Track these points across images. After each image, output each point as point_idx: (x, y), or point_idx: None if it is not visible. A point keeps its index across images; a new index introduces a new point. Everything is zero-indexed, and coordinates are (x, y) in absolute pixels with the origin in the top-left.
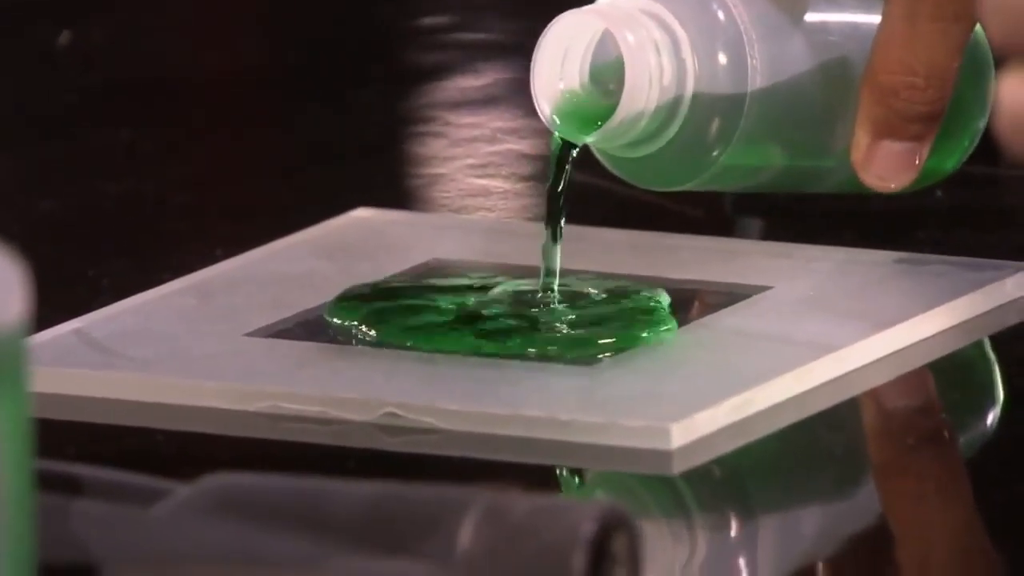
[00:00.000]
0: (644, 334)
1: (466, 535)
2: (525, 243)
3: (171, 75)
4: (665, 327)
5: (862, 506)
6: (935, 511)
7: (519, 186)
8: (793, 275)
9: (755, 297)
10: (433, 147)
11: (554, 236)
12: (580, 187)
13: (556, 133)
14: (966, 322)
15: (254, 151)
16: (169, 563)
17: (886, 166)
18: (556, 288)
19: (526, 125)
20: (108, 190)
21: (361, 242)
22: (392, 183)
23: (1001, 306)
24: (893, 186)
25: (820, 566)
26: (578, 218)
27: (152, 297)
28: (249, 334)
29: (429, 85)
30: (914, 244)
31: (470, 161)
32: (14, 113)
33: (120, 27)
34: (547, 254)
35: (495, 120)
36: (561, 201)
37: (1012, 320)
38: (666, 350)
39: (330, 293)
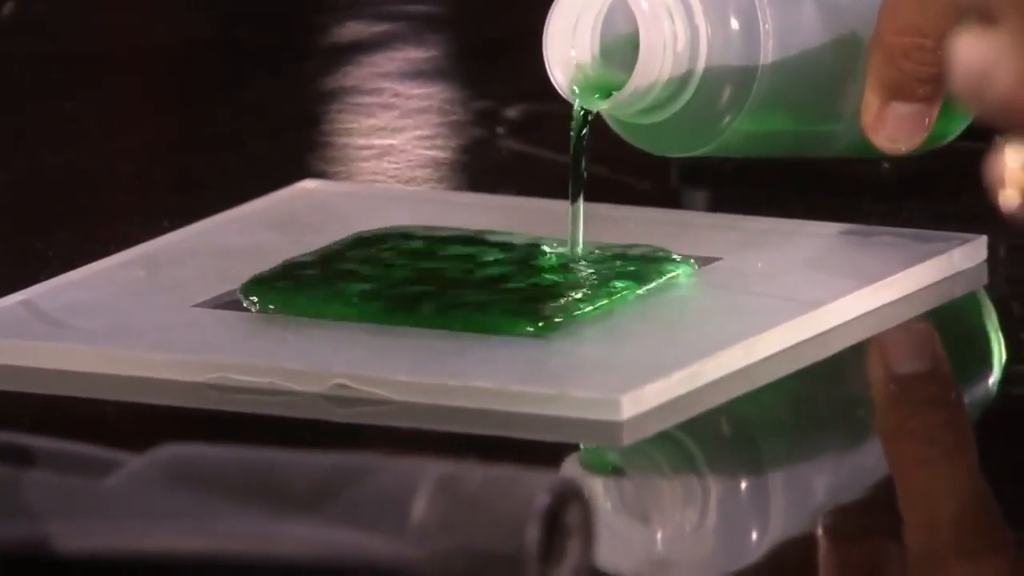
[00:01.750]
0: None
1: (419, 506)
2: (474, 214)
3: (116, 46)
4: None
5: (809, 478)
6: (884, 482)
7: (467, 157)
8: (741, 247)
9: (704, 269)
10: (382, 118)
11: (574, 199)
12: (524, 158)
13: (575, 103)
14: (913, 293)
15: (200, 122)
16: (122, 534)
17: (896, 128)
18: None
19: (474, 96)
20: (54, 162)
21: (309, 214)
22: (341, 154)
23: (948, 278)
24: (903, 148)
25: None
26: (523, 189)
27: (100, 269)
28: (197, 305)
29: (377, 56)
30: (861, 216)
31: (419, 132)
32: None
33: None
34: (572, 218)
35: (444, 91)
36: (582, 167)
37: (959, 291)
38: (615, 321)
39: (277, 264)
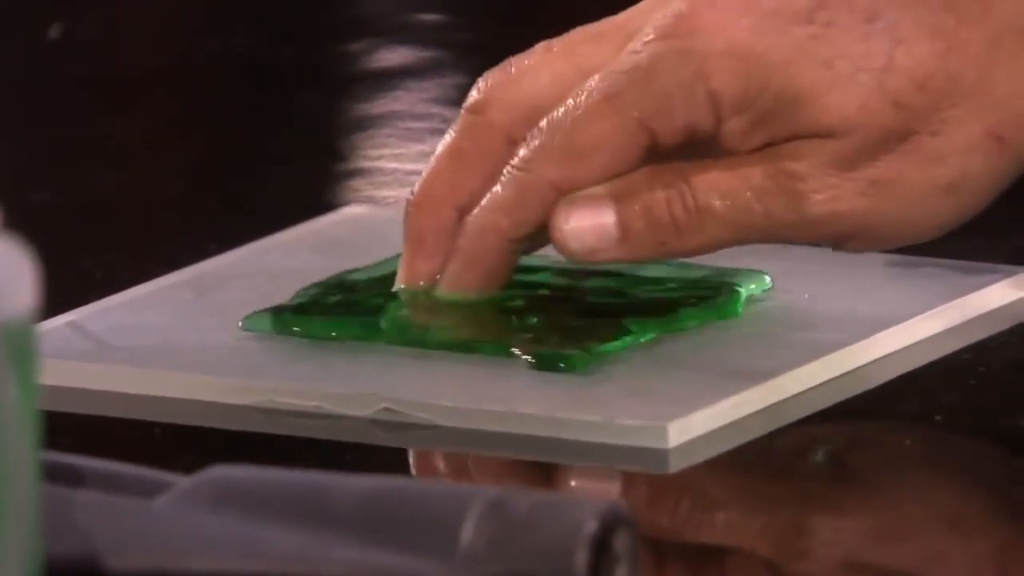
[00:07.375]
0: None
1: (468, 530)
2: None
3: (164, 67)
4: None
5: (856, 507)
6: (929, 514)
7: None
8: (789, 277)
9: (751, 297)
10: (431, 143)
11: None
12: None
13: None
14: (958, 325)
15: (247, 146)
16: (169, 555)
17: None
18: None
19: None
20: (101, 183)
21: (354, 238)
22: (389, 179)
23: (993, 310)
24: None
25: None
26: None
27: (147, 291)
28: (244, 328)
29: (426, 82)
30: (907, 247)
31: None
32: (6, 105)
33: (111, 19)
34: None
35: None
36: None
37: (1005, 324)
38: (662, 348)
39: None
